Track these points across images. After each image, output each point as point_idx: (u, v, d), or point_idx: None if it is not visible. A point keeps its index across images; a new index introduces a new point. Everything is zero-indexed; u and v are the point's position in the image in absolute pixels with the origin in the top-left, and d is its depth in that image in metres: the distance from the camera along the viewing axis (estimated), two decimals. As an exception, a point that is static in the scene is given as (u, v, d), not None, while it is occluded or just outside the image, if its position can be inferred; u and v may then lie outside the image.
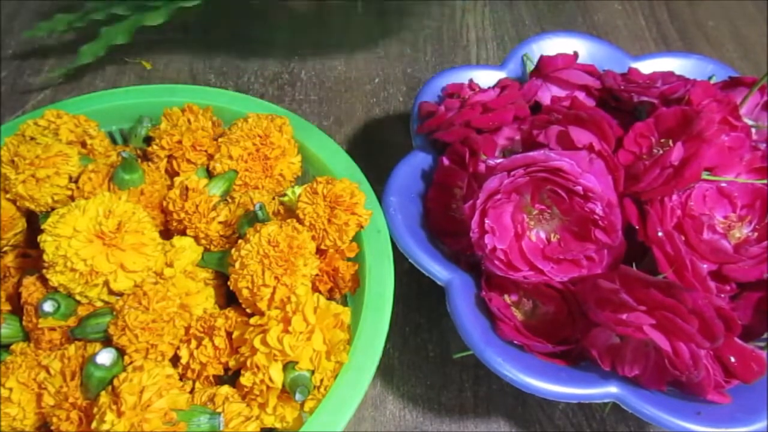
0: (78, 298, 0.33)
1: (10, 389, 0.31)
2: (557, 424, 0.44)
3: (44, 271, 0.33)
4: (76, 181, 0.38)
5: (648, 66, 0.50)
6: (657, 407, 0.33)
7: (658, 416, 0.33)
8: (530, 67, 0.48)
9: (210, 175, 0.42)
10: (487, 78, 0.49)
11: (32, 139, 0.39)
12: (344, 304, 0.38)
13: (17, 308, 0.35)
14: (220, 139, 0.41)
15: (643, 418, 0.33)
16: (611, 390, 0.34)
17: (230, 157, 0.40)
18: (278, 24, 0.73)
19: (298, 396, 0.29)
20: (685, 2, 0.81)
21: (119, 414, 0.27)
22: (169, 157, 0.41)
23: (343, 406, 0.31)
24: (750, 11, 0.80)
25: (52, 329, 0.34)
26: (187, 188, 0.37)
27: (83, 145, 0.41)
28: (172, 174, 0.42)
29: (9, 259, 0.38)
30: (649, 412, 0.33)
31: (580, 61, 0.46)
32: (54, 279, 0.32)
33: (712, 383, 0.33)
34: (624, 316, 0.32)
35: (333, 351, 0.31)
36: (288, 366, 0.30)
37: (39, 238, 0.32)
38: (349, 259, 0.37)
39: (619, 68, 0.48)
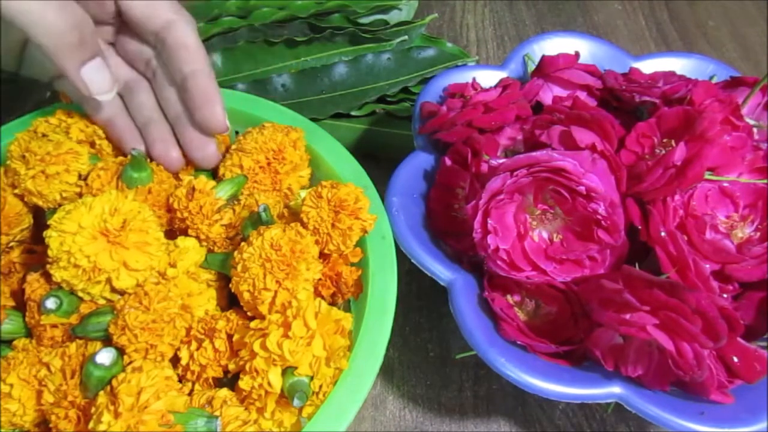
0: (80, 294, 0.33)
1: (11, 385, 0.31)
2: (557, 424, 0.44)
3: (48, 266, 0.33)
4: (85, 179, 0.38)
5: (649, 66, 0.50)
6: (660, 407, 0.33)
7: (661, 416, 0.33)
8: (531, 67, 0.48)
9: (216, 178, 0.42)
10: (488, 78, 0.49)
11: (44, 135, 0.38)
12: (347, 309, 0.38)
13: (21, 304, 0.35)
14: (232, 147, 0.41)
15: (646, 419, 0.33)
16: (614, 390, 0.34)
17: (241, 167, 0.40)
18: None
19: (296, 401, 0.29)
20: (685, 2, 0.82)
21: (116, 415, 0.27)
22: None
23: (342, 413, 0.31)
24: (750, 11, 0.81)
25: (54, 326, 0.34)
26: (194, 188, 0.37)
27: (92, 145, 0.41)
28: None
29: (15, 255, 0.38)
30: (652, 412, 0.33)
31: (581, 61, 0.46)
32: (57, 274, 0.32)
33: (715, 383, 0.33)
34: (627, 316, 0.32)
35: (333, 357, 0.31)
36: (287, 371, 0.30)
37: (45, 233, 0.32)
38: (352, 264, 0.37)
39: (620, 68, 0.48)
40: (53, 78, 0.40)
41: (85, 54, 0.34)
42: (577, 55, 0.46)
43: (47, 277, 0.34)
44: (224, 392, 0.32)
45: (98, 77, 0.35)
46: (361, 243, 0.37)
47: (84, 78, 0.34)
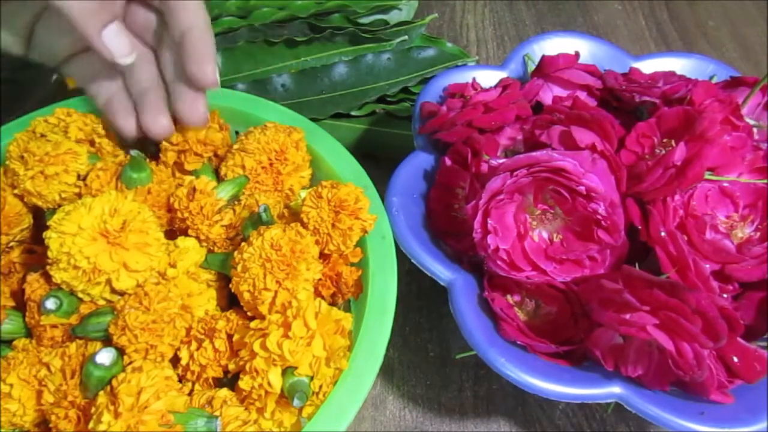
0: (80, 295, 0.33)
1: (11, 385, 0.31)
2: (557, 424, 0.44)
3: (48, 267, 0.33)
4: (84, 179, 0.38)
5: (649, 66, 0.50)
6: (660, 407, 0.33)
7: (661, 416, 0.33)
8: (531, 67, 0.48)
9: (219, 178, 0.42)
10: (488, 78, 0.49)
11: (42, 135, 0.39)
12: (347, 309, 0.38)
13: (21, 304, 0.35)
14: (234, 148, 0.41)
15: (646, 419, 0.33)
16: (614, 390, 0.34)
17: (243, 167, 0.40)
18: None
19: (296, 402, 0.29)
20: (685, 2, 0.81)
21: (116, 415, 0.27)
22: (180, 152, 0.41)
23: (342, 413, 0.31)
24: (750, 11, 0.81)
25: (54, 326, 0.34)
26: (195, 189, 0.37)
27: (92, 143, 0.41)
28: (181, 171, 0.41)
29: (15, 255, 0.38)
30: (652, 412, 0.33)
31: (581, 61, 0.46)
32: (57, 276, 0.32)
33: (715, 383, 0.33)
34: (627, 316, 0.32)
35: (333, 357, 0.31)
36: (287, 371, 0.30)
37: (44, 234, 0.32)
38: (352, 264, 0.37)
39: (620, 68, 0.48)
40: (60, 62, 0.40)
41: (104, 16, 0.34)
42: (577, 55, 0.46)
43: (47, 277, 0.34)
44: (224, 392, 0.32)
45: (117, 41, 0.35)
46: (361, 243, 0.37)
47: (105, 41, 0.34)
